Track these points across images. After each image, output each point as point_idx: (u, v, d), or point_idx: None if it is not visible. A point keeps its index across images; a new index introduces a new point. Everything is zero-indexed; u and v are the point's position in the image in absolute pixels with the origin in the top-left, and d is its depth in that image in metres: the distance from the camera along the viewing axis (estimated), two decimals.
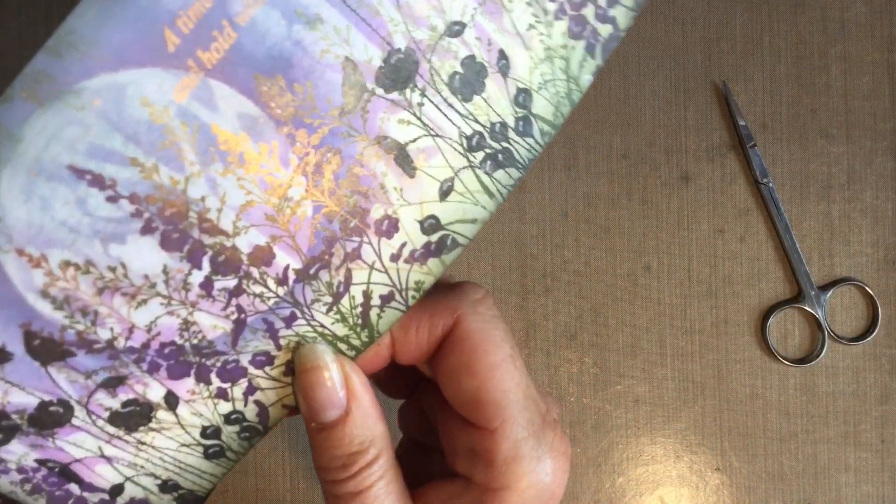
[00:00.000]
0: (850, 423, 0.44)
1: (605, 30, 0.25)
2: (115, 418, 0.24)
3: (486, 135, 0.25)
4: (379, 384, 0.32)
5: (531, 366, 0.43)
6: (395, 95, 0.23)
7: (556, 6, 0.25)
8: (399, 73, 0.23)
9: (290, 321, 0.25)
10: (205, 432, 0.26)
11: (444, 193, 0.25)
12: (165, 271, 0.23)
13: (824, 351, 0.43)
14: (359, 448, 0.25)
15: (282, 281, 0.24)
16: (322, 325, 0.25)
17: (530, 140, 0.25)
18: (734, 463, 0.43)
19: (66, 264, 0.22)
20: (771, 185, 0.44)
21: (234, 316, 0.24)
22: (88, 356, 0.23)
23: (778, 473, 0.44)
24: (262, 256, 0.24)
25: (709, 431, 0.43)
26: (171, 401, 0.25)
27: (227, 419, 0.26)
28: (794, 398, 0.44)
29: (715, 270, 0.44)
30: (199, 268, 0.23)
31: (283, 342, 0.25)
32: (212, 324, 0.24)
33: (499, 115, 0.25)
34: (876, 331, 0.44)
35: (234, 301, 0.24)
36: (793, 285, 0.44)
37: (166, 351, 0.24)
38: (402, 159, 0.24)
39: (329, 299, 0.25)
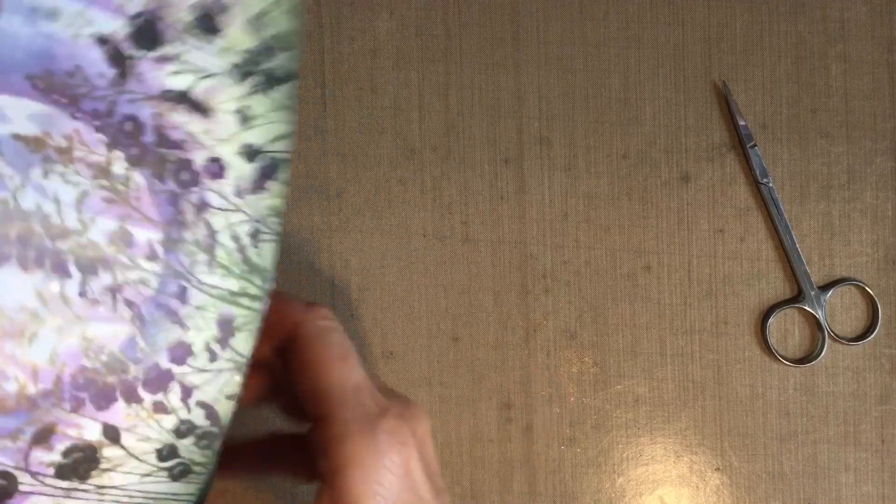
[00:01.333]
0: (850, 423, 0.44)
1: None
2: (62, 471, 0.24)
3: (249, 59, 0.25)
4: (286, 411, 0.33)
5: (531, 366, 0.43)
6: (155, 53, 0.24)
7: None
8: (147, 33, 0.24)
9: (182, 296, 0.25)
10: (161, 455, 0.25)
11: (245, 120, 0.25)
12: (39, 294, 0.22)
13: (824, 351, 0.43)
14: None
15: (152, 256, 0.24)
16: (214, 287, 0.25)
17: (284, 54, 0.26)
18: (734, 463, 0.43)
19: None
20: (771, 185, 0.44)
21: (127, 313, 0.24)
22: (5, 417, 0.22)
23: (778, 473, 0.44)
24: (121, 239, 0.23)
25: (709, 431, 0.43)
26: (112, 434, 0.24)
27: (178, 433, 0.25)
28: (794, 398, 0.44)
29: (715, 270, 0.44)
30: (69, 275, 0.23)
31: (189, 322, 0.25)
32: (111, 331, 0.24)
33: (250, 41, 0.25)
34: (876, 331, 0.44)
35: (118, 297, 0.24)
36: (793, 285, 0.44)
37: (81, 381, 0.23)
38: (194, 105, 0.25)
39: (205, 256, 0.25)
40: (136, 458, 0.25)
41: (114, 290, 0.23)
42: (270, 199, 0.26)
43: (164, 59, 0.24)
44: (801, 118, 0.44)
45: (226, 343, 0.26)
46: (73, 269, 0.23)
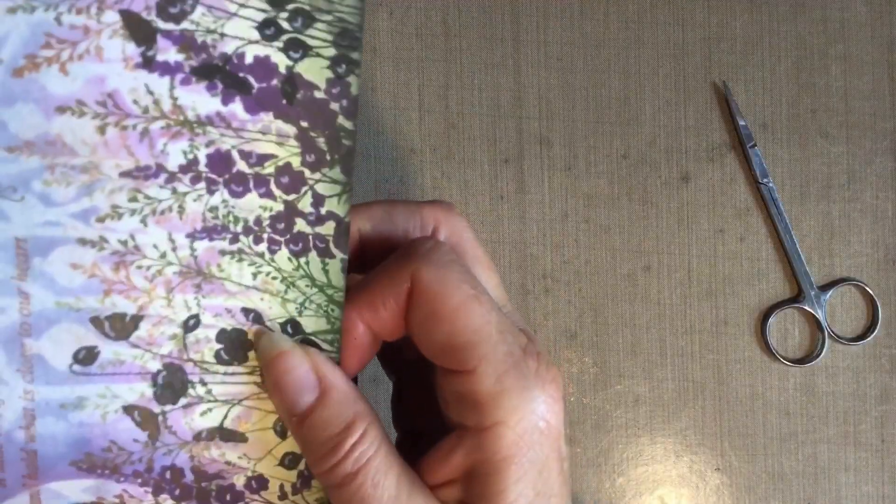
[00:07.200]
0: (850, 423, 0.44)
1: (327, 228, 0.25)
2: None
3: None
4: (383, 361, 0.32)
5: None
6: (182, 401, 0.25)
7: (266, 245, 0.25)
8: (172, 386, 0.25)
9: None
10: None
11: (283, 432, 0.26)
12: None
13: (824, 351, 0.43)
14: (345, 425, 0.25)
15: None
16: None
17: (324, 347, 0.26)
18: (734, 463, 0.43)
19: None
20: (771, 185, 0.44)
21: None
22: None
23: (778, 473, 0.44)
24: None
25: (709, 431, 0.43)
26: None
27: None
28: (794, 398, 0.44)
29: (715, 270, 0.44)
30: None
31: None
32: None
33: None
34: (876, 331, 0.44)
35: None
36: (793, 285, 0.44)
37: None
38: (227, 436, 0.26)
39: None
40: None
41: None
42: (316, 492, 0.27)
43: (192, 405, 0.25)
44: (801, 118, 0.44)
45: None
46: None
